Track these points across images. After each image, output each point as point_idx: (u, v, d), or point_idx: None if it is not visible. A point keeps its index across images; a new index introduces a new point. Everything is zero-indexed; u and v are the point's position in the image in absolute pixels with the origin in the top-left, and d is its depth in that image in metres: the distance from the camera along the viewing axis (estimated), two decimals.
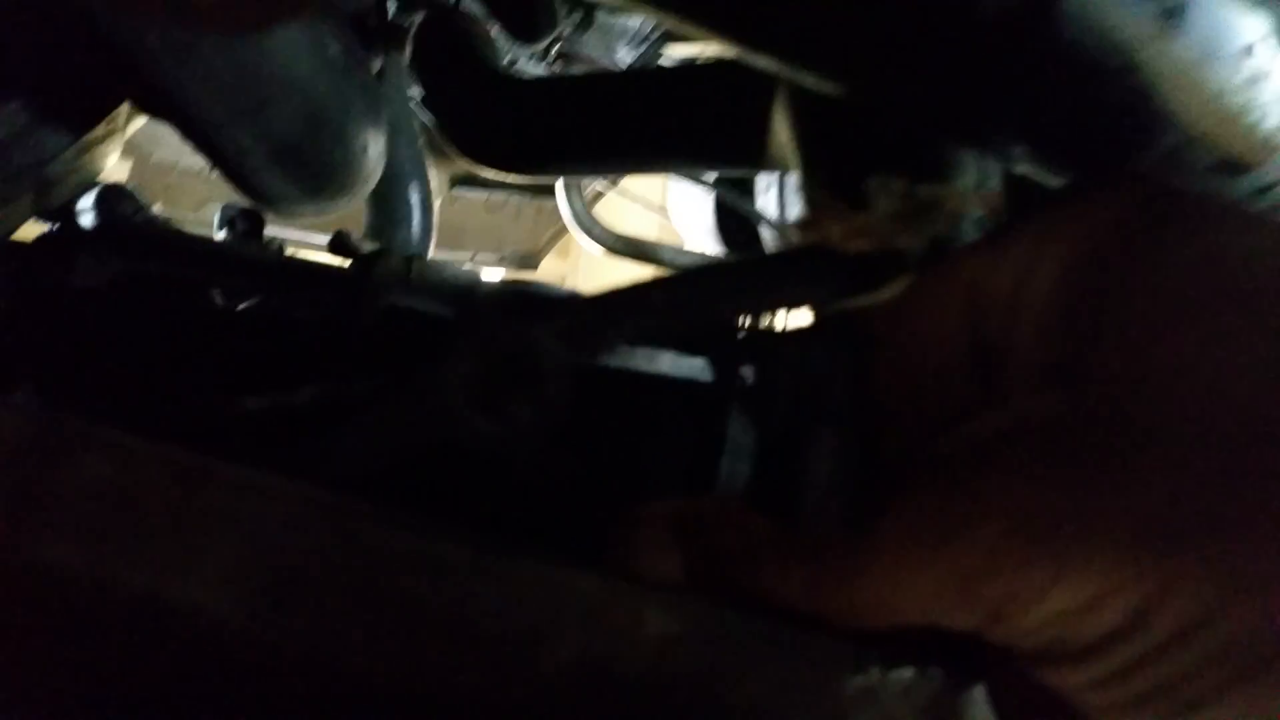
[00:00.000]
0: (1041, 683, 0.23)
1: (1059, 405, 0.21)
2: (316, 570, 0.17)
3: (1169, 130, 0.26)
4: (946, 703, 0.25)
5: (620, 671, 0.19)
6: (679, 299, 0.22)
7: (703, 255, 1.05)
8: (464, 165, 1.65)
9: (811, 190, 0.21)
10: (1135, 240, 0.23)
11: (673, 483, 0.37)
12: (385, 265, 0.39)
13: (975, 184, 0.22)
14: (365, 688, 0.17)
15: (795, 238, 0.22)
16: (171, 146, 1.85)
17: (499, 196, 1.96)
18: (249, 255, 0.42)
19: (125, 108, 0.61)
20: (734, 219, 1.24)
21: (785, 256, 0.22)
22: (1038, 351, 0.23)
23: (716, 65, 0.62)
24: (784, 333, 0.22)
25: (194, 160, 1.95)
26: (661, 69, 0.70)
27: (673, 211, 1.16)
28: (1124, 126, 0.26)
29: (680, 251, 0.99)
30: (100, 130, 0.60)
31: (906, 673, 0.24)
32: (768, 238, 1.11)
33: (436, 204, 0.93)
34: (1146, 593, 0.19)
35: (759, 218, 0.93)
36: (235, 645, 0.17)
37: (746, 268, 0.23)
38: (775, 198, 0.99)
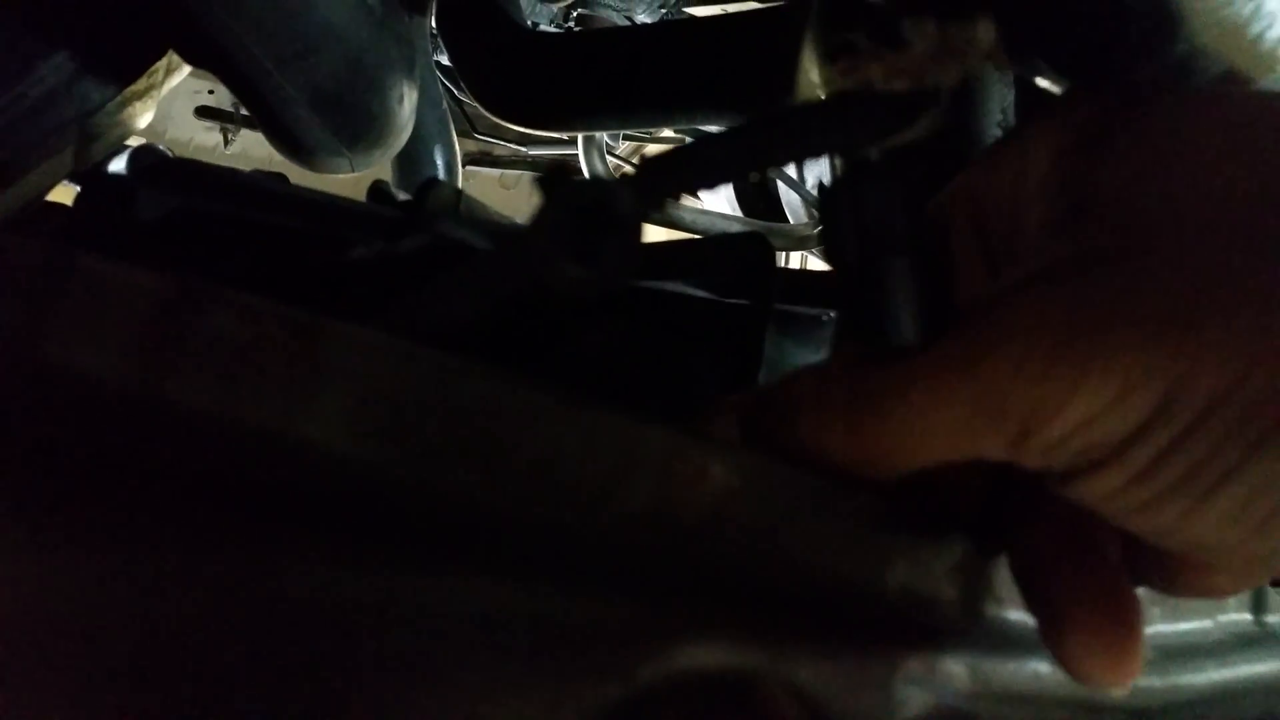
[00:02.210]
0: (1070, 522, 0.24)
1: (1066, 245, 0.23)
2: (419, 414, 0.18)
3: (1180, 39, 0.27)
4: (974, 564, 0.26)
5: (683, 519, 0.21)
6: (737, 149, 0.23)
7: (723, 216, 1.07)
8: (479, 144, 1.65)
9: (854, 36, 0.22)
10: (1120, 115, 0.24)
11: (711, 400, 0.38)
12: (438, 195, 0.40)
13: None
14: (461, 516, 0.19)
15: (840, 82, 0.23)
16: (184, 124, 1.87)
17: (512, 174, 1.97)
18: (301, 192, 0.44)
19: (164, 63, 0.62)
20: (751, 182, 1.25)
21: (832, 101, 0.23)
22: (1040, 230, 0.24)
23: (742, 15, 0.63)
24: (838, 178, 0.24)
25: (207, 138, 1.96)
26: (687, 20, 0.70)
27: None
28: (1136, 31, 0.27)
29: (700, 212, 1.00)
30: (141, 84, 0.61)
31: (938, 533, 0.26)
32: (786, 197, 1.12)
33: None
34: (1166, 380, 0.20)
35: (783, 175, 0.94)
36: (347, 477, 0.18)
37: (797, 115, 0.24)
38: None
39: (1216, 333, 0.20)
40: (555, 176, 0.21)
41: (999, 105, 0.41)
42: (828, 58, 0.23)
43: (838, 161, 0.28)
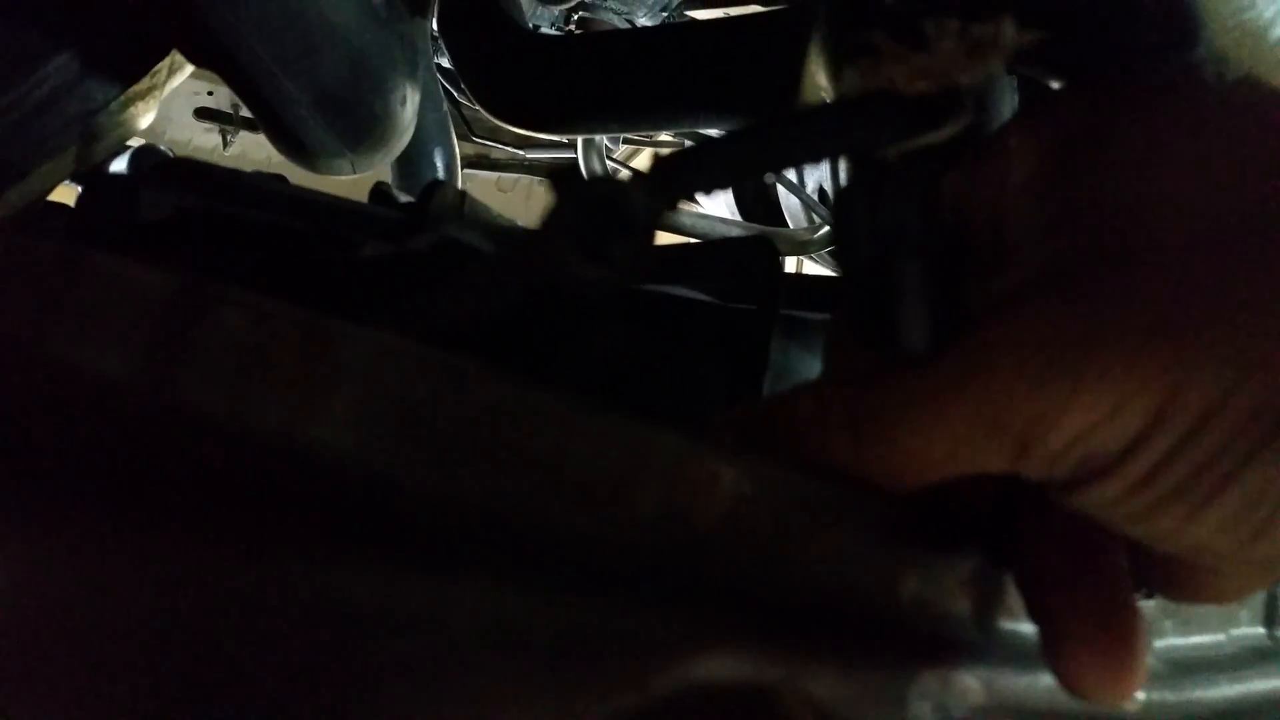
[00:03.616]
0: (1074, 529, 0.24)
1: (1055, 251, 0.22)
2: (428, 417, 0.18)
3: (1199, 42, 0.27)
4: (987, 576, 0.26)
5: (695, 525, 0.20)
6: (753, 149, 0.23)
7: (723, 220, 1.06)
8: (476, 147, 1.65)
9: (874, 36, 0.22)
10: (1110, 117, 0.24)
11: (717, 403, 0.38)
12: (443, 196, 0.40)
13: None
14: (471, 520, 0.19)
15: (859, 83, 0.23)
16: (184, 126, 1.87)
17: (510, 177, 1.97)
18: (304, 193, 0.44)
19: (166, 63, 0.62)
20: (752, 187, 1.24)
21: (851, 102, 0.23)
22: (1027, 234, 0.24)
23: (744, 18, 0.63)
24: (854, 180, 0.23)
25: (206, 139, 1.96)
26: (689, 23, 0.70)
27: None
28: (1155, 34, 0.26)
29: (700, 217, 1.00)
30: (144, 83, 0.61)
31: (951, 545, 0.25)
32: (786, 203, 1.12)
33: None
34: (1161, 389, 0.20)
35: (784, 180, 0.93)
36: (356, 479, 0.18)
37: (816, 116, 0.24)
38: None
39: (1208, 341, 0.20)
40: (567, 175, 0.20)
41: (1009, 109, 0.41)
42: (844, 59, 0.23)
43: (847, 164, 0.27)
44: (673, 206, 0.22)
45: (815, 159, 0.24)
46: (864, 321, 0.25)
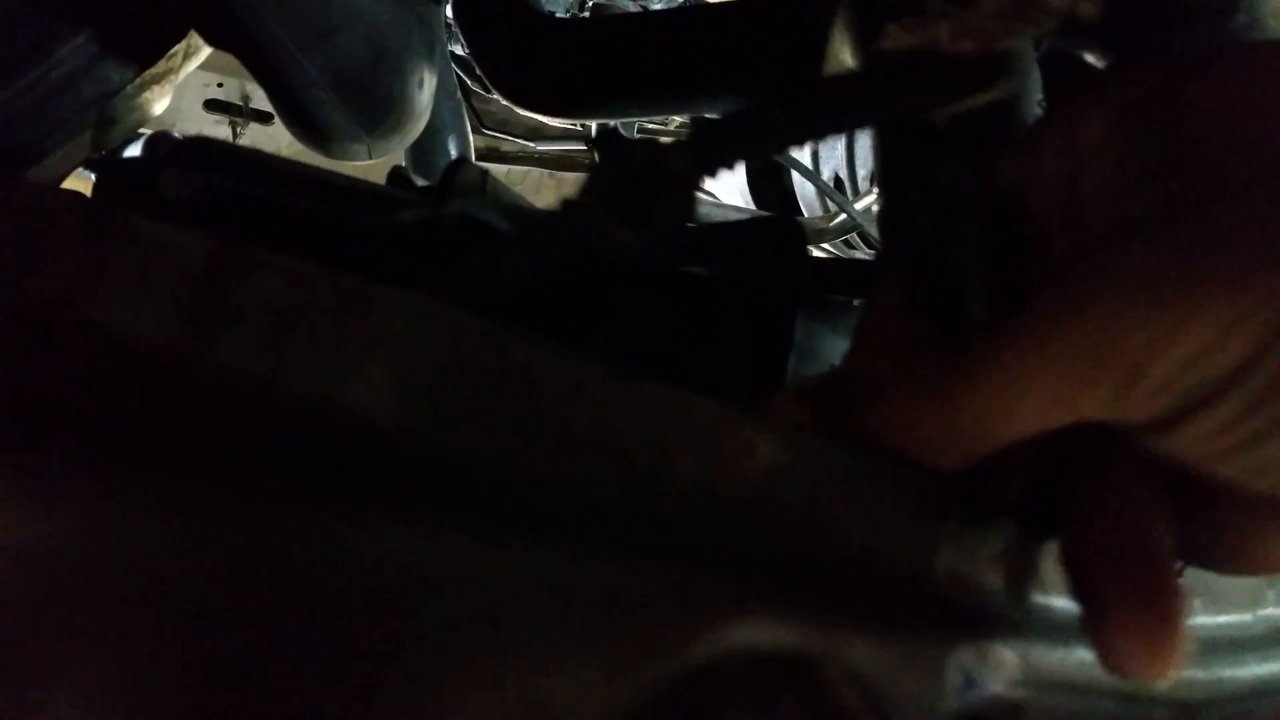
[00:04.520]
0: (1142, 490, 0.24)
1: (1146, 199, 0.22)
2: (467, 381, 0.18)
3: (1241, 10, 0.27)
4: (1020, 550, 0.26)
5: (731, 494, 0.20)
6: (797, 114, 0.22)
7: (738, 209, 1.06)
8: (486, 139, 1.65)
9: None
10: (1182, 73, 0.24)
11: (742, 382, 0.38)
12: (466, 174, 0.40)
13: None
14: (510, 484, 0.18)
15: (904, 39, 0.22)
16: (193, 117, 1.87)
17: (520, 170, 1.97)
18: (323, 174, 0.43)
19: (183, 46, 0.62)
20: (766, 176, 1.24)
21: (896, 63, 0.23)
22: (1107, 192, 0.24)
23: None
24: (903, 146, 0.23)
25: (216, 131, 1.96)
26: (706, 4, 0.70)
27: None
28: (1203, 3, 0.26)
29: (715, 205, 1.00)
30: (160, 66, 0.61)
31: (985, 518, 0.25)
32: (801, 192, 1.11)
33: None
34: (1267, 314, 0.20)
35: (800, 167, 0.93)
36: (395, 442, 0.18)
37: (861, 79, 0.23)
38: (809, 149, 0.99)
39: None
40: (609, 140, 0.20)
41: (1038, 83, 0.40)
42: (887, 16, 0.22)
43: (878, 138, 0.27)
44: (714, 173, 0.22)
45: (858, 124, 0.24)
46: (920, 290, 0.25)
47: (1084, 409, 0.22)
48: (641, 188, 0.20)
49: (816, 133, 0.22)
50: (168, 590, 0.16)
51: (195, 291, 0.17)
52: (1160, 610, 0.23)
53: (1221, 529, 0.24)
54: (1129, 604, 0.23)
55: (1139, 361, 0.21)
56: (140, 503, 0.16)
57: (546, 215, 0.22)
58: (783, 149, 0.23)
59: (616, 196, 0.20)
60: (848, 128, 0.24)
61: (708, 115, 0.98)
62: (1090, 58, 0.30)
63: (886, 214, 0.26)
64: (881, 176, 0.24)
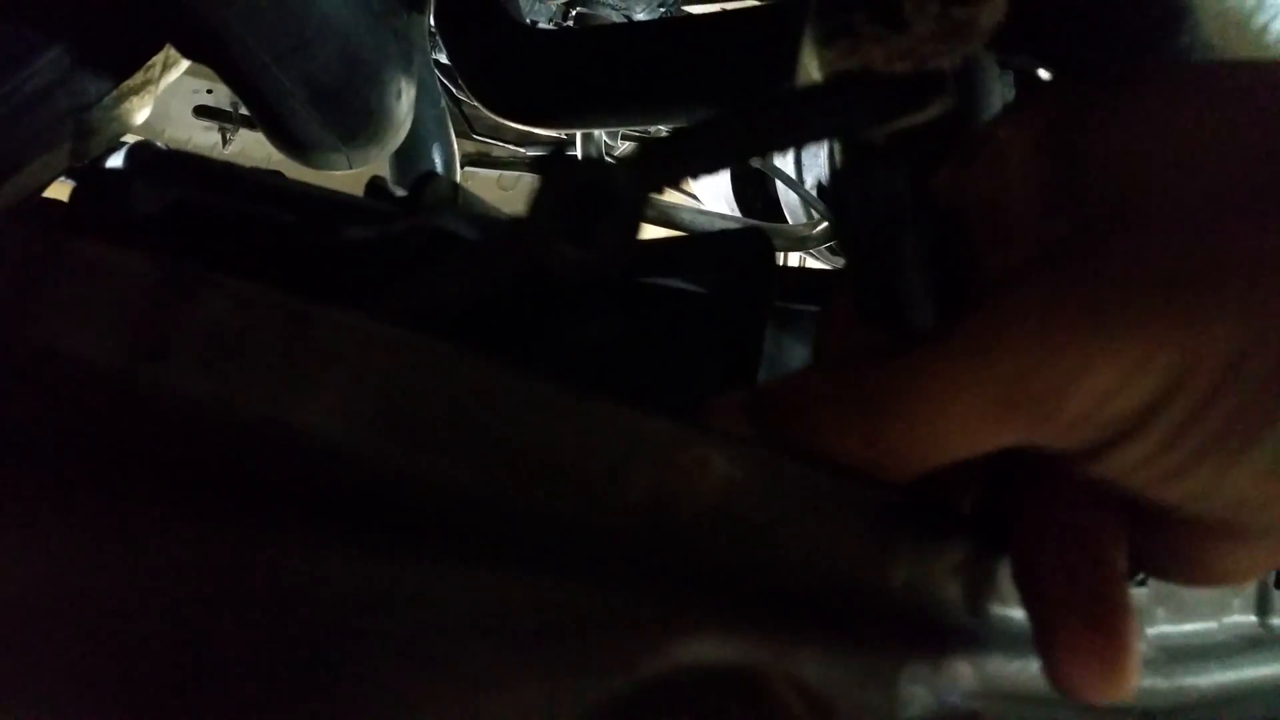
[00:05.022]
0: (1087, 504, 0.24)
1: (1062, 223, 0.22)
2: (415, 402, 0.18)
3: (1184, 30, 0.27)
4: (977, 562, 0.26)
5: (685, 510, 0.20)
6: (738, 132, 0.23)
7: (721, 216, 1.06)
8: (477, 145, 1.65)
9: (851, 16, 0.22)
10: (1105, 93, 0.24)
11: (711, 395, 0.38)
12: (435, 188, 0.40)
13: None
14: (458, 505, 0.18)
15: (840, 63, 0.23)
16: (183, 124, 1.87)
17: (510, 175, 1.97)
18: (299, 186, 0.43)
19: (161, 58, 0.62)
20: (751, 183, 1.24)
21: (832, 84, 0.23)
22: (1029, 212, 0.24)
23: (741, 12, 0.63)
24: (846, 161, 0.24)
25: (205, 137, 1.96)
26: (686, 17, 0.70)
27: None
28: (1143, 22, 0.26)
29: (699, 212, 1.00)
30: (138, 78, 0.61)
31: (941, 530, 0.25)
32: (785, 199, 1.12)
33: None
34: (1180, 344, 0.20)
35: (782, 175, 0.93)
36: (343, 464, 0.18)
37: (799, 98, 0.24)
38: (793, 157, 0.99)
39: (1224, 295, 0.20)
40: (554, 158, 0.20)
41: (999, 97, 0.40)
42: (824, 41, 0.23)
43: (838, 149, 0.27)
44: (659, 190, 0.22)
45: (799, 142, 0.24)
46: (866, 300, 0.25)
47: (1004, 440, 0.22)
48: (587, 206, 0.21)
49: (756, 150, 0.23)
50: (107, 613, 0.16)
51: (138, 315, 0.17)
52: (1109, 630, 0.23)
53: (1176, 544, 0.24)
54: (1076, 624, 0.23)
55: (1051, 397, 0.21)
56: (83, 527, 0.16)
57: (493, 231, 0.22)
58: (725, 166, 0.23)
59: (561, 214, 0.21)
60: (787, 145, 0.24)
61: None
62: (1042, 73, 0.30)
63: (834, 225, 0.26)
64: (829, 186, 0.25)
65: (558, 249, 0.21)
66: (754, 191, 1.28)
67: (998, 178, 0.24)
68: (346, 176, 0.66)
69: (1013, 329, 0.21)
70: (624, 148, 1.58)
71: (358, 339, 0.18)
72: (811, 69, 0.43)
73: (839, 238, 0.26)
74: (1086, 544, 0.24)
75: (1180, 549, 0.25)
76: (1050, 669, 0.23)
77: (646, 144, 0.21)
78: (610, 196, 0.21)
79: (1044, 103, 0.25)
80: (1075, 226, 0.22)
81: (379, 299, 0.22)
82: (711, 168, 0.22)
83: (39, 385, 0.17)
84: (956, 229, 0.24)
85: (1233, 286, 0.20)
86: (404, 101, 0.60)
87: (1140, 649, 0.23)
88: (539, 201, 0.21)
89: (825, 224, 0.99)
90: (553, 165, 0.21)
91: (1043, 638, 0.24)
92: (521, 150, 1.64)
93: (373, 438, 0.18)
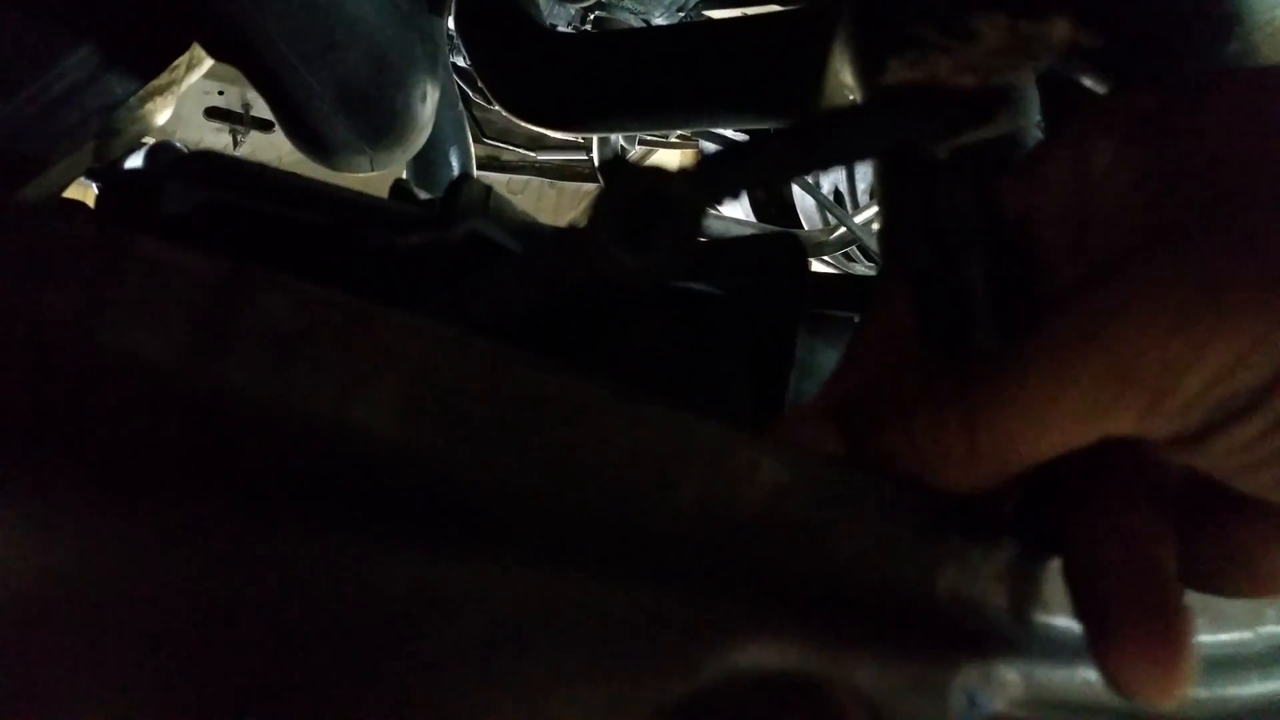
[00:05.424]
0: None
1: (1164, 216, 0.22)
2: (471, 404, 0.18)
3: (1235, 38, 0.27)
4: (1022, 570, 0.26)
5: (735, 515, 0.20)
6: (801, 146, 0.23)
7: (738, 222, 1.06)
8: (487, 148, 1.65)
9: (920, 28, 0.22)
10: (1189, 95, 0.24)
11: (743, 398, 0.38)
12: (470, 191, 0.40)
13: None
14: (514, 507, 0.18)
15: (905, 74, 0.22)
16: (194, 125, 1.87)
17: (520, 179, 1.98)
18: (327, 188, 0.43)
19: (186, 58, 0.62)
20: (766, 188, 1.24)
21: (897, 97, 0.23)
22: (1123, 212, 0.24)
23: (764, 17, 0.63)
24: (906, 178, 0.23)
25: (216, 139, 1.96)
26: (708, 22, 0.70)
27: None
28: (1197, 30, 0.27)
29: (717, 217, 1.00)
30: (163, 79, 0.61)
31: (986, 537, 0.25)
32: (801, 204, 1.12)
33: None
34: None
35: (803, 183, 0.93)
36: (402, 465, 0.18)
37: (862, 111, 0.24)
38: None
39: None
40: (615, 166, 0.20)
41: (1036, 107, 0.40)
42: (888, 51, 0.22)
43: (880, 164, 0.27)
44: (718, 200, 0.22)
45: (861, 156, 0.24)
46: (930, 320, 0.25)
47: (1111, 427, 0.22)
48: (646, 213, 0.20)
49: (818, 164, 0.23)
50: (175, 615, 0.16)
51: (200, 314, 0.17)
52: (1168, 631, 0.23)
53: (1232, 549, 0.24)
54: (1136, 625, 0.23)
55: (1165, 379, 0.21)
56: (148, 528, 0.16)
57: (552, 238, 0.22)
58: (785, 179, 0.23)
59: (621, 222, 0.20)
60: (849, 160, 0.24)
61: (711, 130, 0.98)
62: (1088, 82, 0.30)
63: (888, 239, 0.26)
64: (883, 203, 0.24)
65: (617, 257, 0.20)
66: (769, 197, 1.28)
67: (1079, 182, 0.25)
68: (359, 178, 0.66)
69: (1126, 311, 0.21)
70: (638, 151, 1.59)
71: (415, 340, 0.18)
72: (843, 76, 0.43)
73: (892, 257, 0.26)
74: (1141, 546, 0.24)
75: (1234, 552, 0.24)
76: (1108, 670, 0.23)
77: (707, 156, 0.21)
78: (669, 205, 0.21)
79: (1127, 105, 0.25)
80: (1186, 210, 0.22)
81: (436, 302, 0.22)
82: (772, 180, 0.22)
83: (105, 386, 0.17)
84: (1024, 241, 0.24)
85: None
86: (429, 104, 0.60)
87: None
88: (600, 209, 0.21)
89: (841, 230, 0.99)
90: (614, 173, 0.21)
91: (1100, 639, 0.23)
92: (531, 154, 1.64)
93: (430, 438, 0.18)
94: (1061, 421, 0.22)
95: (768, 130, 0.22)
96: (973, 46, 0.22)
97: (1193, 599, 0.33)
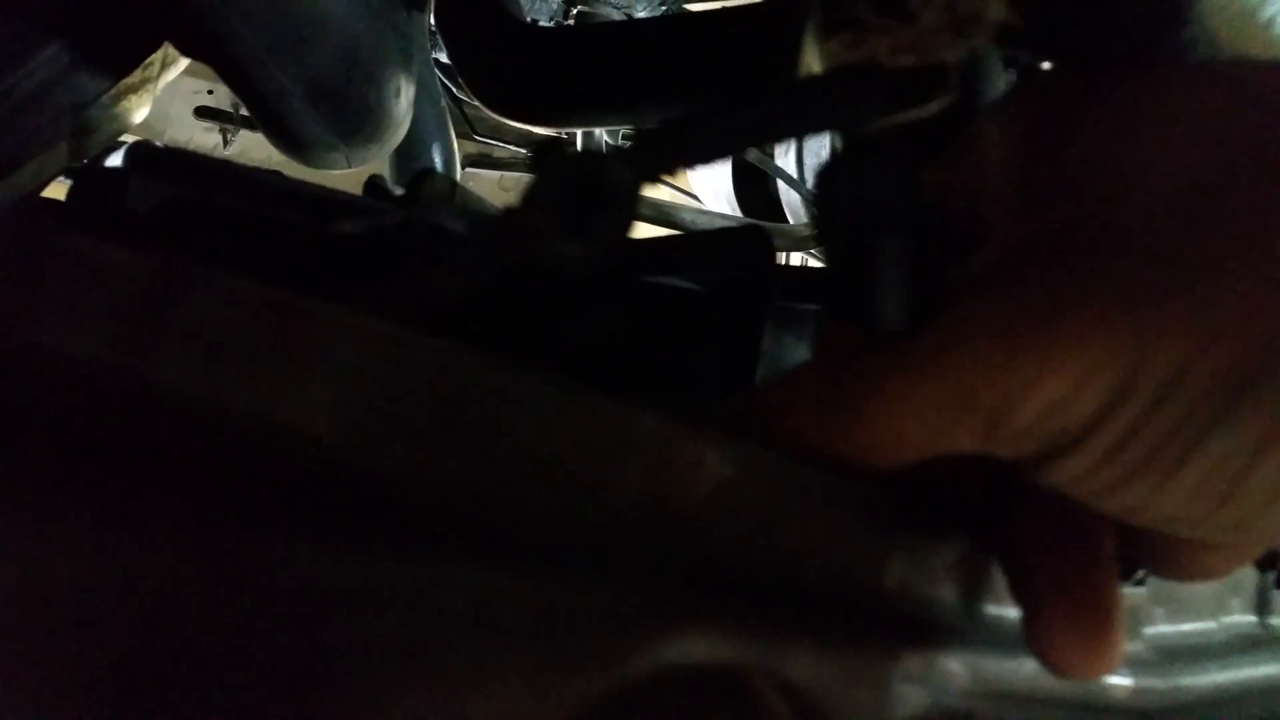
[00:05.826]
0: (1050, 509, 0.24)
1: (1028, 230, 0.22)
2: (407, 398, 0.18)
3: (1187, 23, 0.27)
4: (973, 561, 0.26)
5: (678, 508, 0.20)
6: (736, 123, 0.23)
7: (723, 216, 1.06)
8: (478, 145, 1.64)
9: (858, 9, 0.22)
10: (1085, 96, 0.24)
11: (710, 393, 0.38)
12: (433, 185, 0.40)
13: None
14: (448, 501, 0.18)
15: (841, 55, 0.22)
16: (184, 124, 1.87)
17: (511, 176, 1.97)
18: (295, 184, 0.43)
19: (160, 56, 0.62)
20: (752, 183, 1.24)
21: (834, 76, 0.23)
22: (1003, 215, 0.24)
23: (741, 9, 0.63)
24: (836, 155, 0.23)
25: (206, 138, 1.96)
26: (686, 14, 0.70)
27: (690, 177, 1.17)
28: (1148, 13, 0.26)
29: (700, 212, 1.00)
30: (136, 77, 0.61)
31: (937, 529, 0.25)
32: (786, 198, 1.12)
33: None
34: (1126, 360, 0.20)
35: (783, 174, 0.93)
36: (334, 461, 0.18)
37: (798, 90, 0.24)
38: (794, 157, 0.99)
39: (1169, 312, 0.20)
40: (547, 150, 0.20)
41: (1000, 90, 0.40)
42: (828, 33, 0.22)
43: (837, 140, 0.27)
44: (654, 181, 0.22)
45: (796, 134, 0.24)
46: (844, 298, 0.25)
47: (955, 446, 0.22)
48: (582, 198, 0.20)
49: (754, 140, 0.23)
50: (94, 608, 0.16)
51: (129, 310, 0.17)
52: (1094, 605, 0.23)
53: (1152, 541, 0.24)
54: (1063, 599, 0.23)
55: (999, 407, 0.21)
56: (75, 523, 0.16)
57: (487, 223, 0.22)
58: (722, 156, 0.23)
59: (556, 207, 0.20)
60: (784, 137, 0.24)
61: None
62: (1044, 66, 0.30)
63: (817, 219, 0.26)
64: (815, 180, 0.24)
65: (553, 243, 0.20)
66: (755, 191, 1.28)
67: (980, 176, 0.24)
68: (346, 178, 0.65)
69: (967, 337, 0.21)
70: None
71: (348, 334, 0.18)
72: (813, 66, 0.43)
73: (819, 232, 0.26)
74: (1074, 525, 0.24)
75: (1154, 547, 0.25)
76: (1036, 644, 0.23)
77: (641, 135, 0.21)
78: (605, 189, 0.21)
79: (1033, 97, 0.25)
80: (1041, 231, 0.22)
81: (370, 292, 0.22)
82: (707, 158, 0.22)
83: (31, 382, 0.17)
84: (940, 229, 0.24)
85: (1178, 302, 0.20)
86: (403, 99, 0.60)
87: (1138, 648, 0.23)
88: (532, 194, 0.21)
89: None
90: (546, 157, 0.20)
91: (1030, 616, 0.24)
92: (523, 151, 1.64)
93: (362, 434, 0.18)
94: (908, 436, 0.22)
95: (700, 109, 0.22)
96: (910, 27, 0.22)
97: (1154, 588, 0.33)
